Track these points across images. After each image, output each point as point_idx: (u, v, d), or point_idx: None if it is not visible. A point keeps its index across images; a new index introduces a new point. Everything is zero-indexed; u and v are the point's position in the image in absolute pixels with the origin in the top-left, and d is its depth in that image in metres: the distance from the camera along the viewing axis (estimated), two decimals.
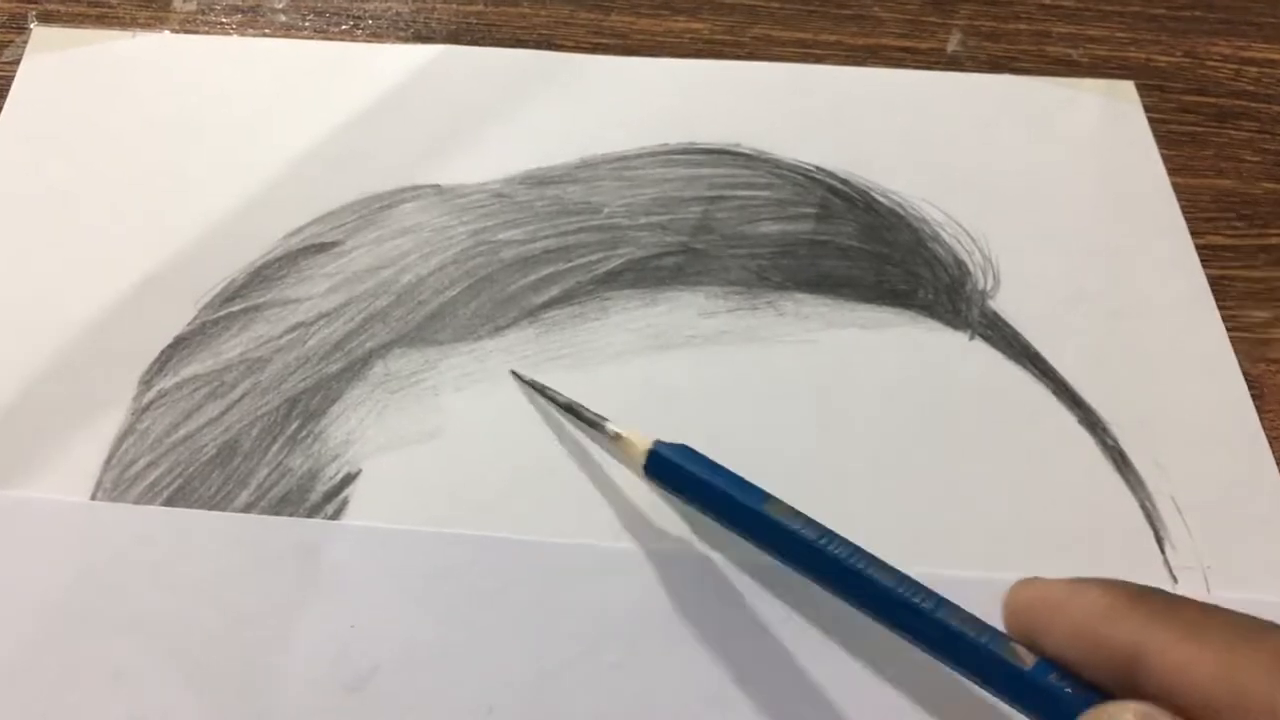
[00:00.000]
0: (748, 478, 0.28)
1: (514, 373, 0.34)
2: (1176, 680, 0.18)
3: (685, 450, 0.29)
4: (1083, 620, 0.20)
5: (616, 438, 0.31)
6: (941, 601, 0.23)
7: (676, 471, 0.29)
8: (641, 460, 0.30)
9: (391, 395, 0.34)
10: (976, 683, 0.22)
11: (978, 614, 0.23)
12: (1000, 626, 0.22)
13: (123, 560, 0.31)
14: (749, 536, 0.27)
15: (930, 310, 0.36)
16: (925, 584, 0.24)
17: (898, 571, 0.24)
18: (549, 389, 0.33)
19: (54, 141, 0.40)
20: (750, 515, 0.27)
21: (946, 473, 0.33)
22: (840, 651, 0.30)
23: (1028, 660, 0.21)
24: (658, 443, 0.30)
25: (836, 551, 0.25)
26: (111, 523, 0.31)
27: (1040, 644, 0.21)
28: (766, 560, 0.27)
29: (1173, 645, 0.18)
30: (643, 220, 0.38)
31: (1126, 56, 0.45)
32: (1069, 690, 0.20)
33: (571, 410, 0.33)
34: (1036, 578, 0.22)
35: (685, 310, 0.36)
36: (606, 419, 0.31)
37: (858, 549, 0.25)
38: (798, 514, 0.26)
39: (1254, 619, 0.19)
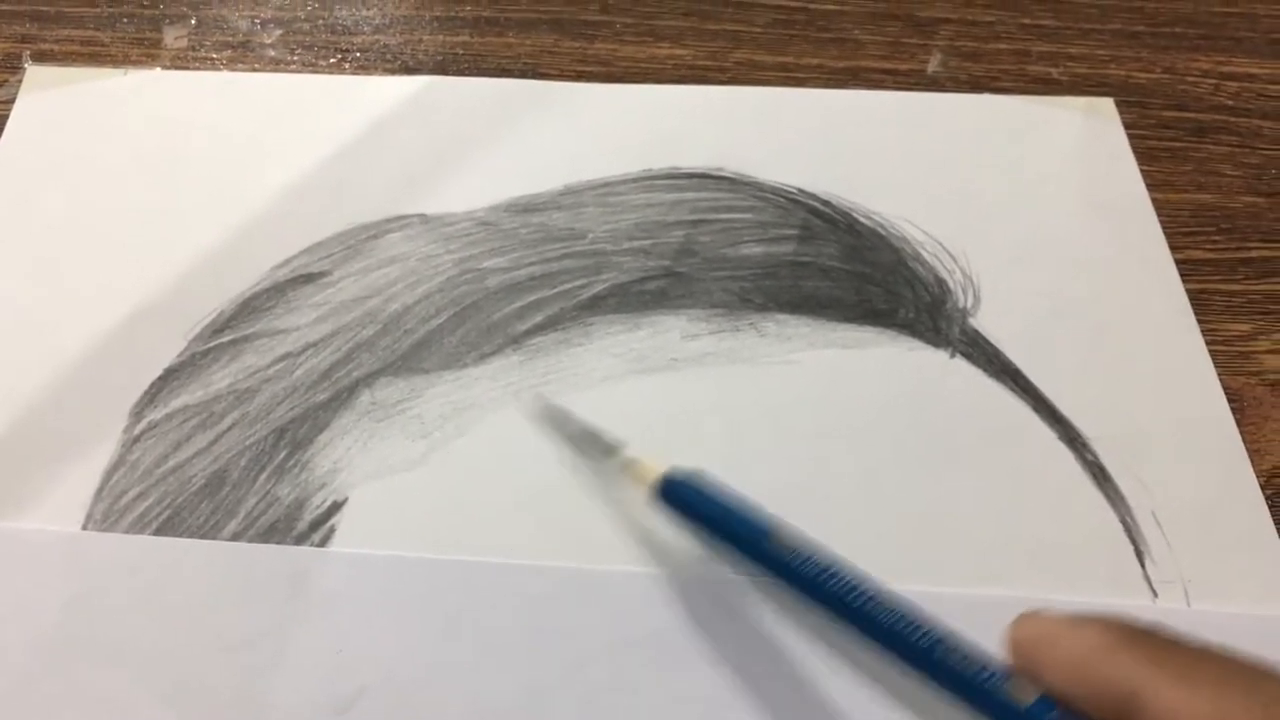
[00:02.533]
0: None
1: (538, 398, 0.35)
2: None
3: (690, 485, 0.30)
4: (1080, 658, 0.20)
5: (627, 466, 0.31)
6: (941, 638, 0.23)
7: (682, 504, 0.30)
8: (649, 490, 0.30)
9: (378, 424, 0.34)
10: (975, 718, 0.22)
11: (959, 630, 0.23)
12: (992, 646, 0.22)
13: (113, 589, 0.31)
14: (755, 569, 0.28)
15: (911, 329, 0.37)
16: (910, 600, 0.24)
17: (900, 607, 0.24)
18: (567, 417, 0.34)
19: (47, 177, 0.41)
20: (754, 550, 0.28)
21: (928, 490, 0.34)
22: (828, 672, 0.30)
23: (1027, 698, 0.21)
24: (666, 476, 0.30)
25: (836, 587, 0.25)
26: (102, 553, 0.32)
27: (1040, 678, 0.21)
28: (756, 581, 0.30)
29: (1167, 688, 0.19)
30: (626, 245, 0.39)
31: (1106, 73, 0.46)
32: None
33: (585, 440, 0.33)
34: (1038, 611, 0.22)
35: (668, 334, 0.37)
36: (622, 445, 0.32)
37: (861, 583, 0.25)
38: (803, 546, 0.27)
39: (1248, 664, 0.19)
